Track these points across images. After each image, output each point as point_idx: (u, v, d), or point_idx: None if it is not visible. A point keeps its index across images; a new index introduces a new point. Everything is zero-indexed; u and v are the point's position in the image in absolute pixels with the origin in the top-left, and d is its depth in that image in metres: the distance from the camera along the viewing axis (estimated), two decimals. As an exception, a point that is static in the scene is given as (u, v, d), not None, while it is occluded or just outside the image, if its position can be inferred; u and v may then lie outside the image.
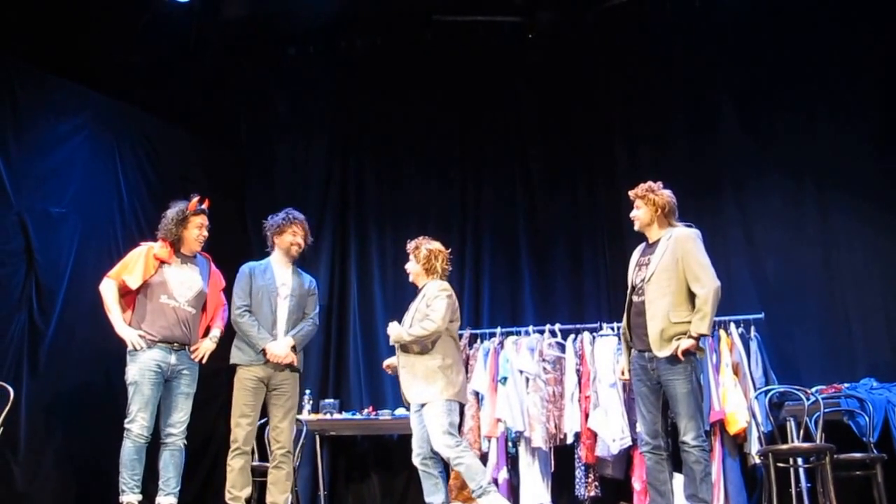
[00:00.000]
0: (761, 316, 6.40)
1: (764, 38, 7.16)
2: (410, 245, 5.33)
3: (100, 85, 6.73)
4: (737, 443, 6.12)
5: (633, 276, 5.04)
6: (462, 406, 5.22)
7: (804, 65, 7.02)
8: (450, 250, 5.36)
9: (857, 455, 5.48)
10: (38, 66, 6.26)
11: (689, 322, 4.73)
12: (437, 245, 5.30)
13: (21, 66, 6.11)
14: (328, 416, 6.90)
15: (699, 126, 7.29)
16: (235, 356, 5.23)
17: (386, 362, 5.46)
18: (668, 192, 5.01)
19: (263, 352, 5.15)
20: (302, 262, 5.61)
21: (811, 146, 6.90)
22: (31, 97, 6.12)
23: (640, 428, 5.02)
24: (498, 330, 6.84)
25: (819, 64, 6.98)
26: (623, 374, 5.17)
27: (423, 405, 4.99)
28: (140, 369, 5.05)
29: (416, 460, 5.08)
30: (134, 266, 5.18)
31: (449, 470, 5.41)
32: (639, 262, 5.04)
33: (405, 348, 5.10)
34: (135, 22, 7.03)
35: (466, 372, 6.69)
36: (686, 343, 4.68)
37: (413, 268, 5.29)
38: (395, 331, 5.10)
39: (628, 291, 5.05)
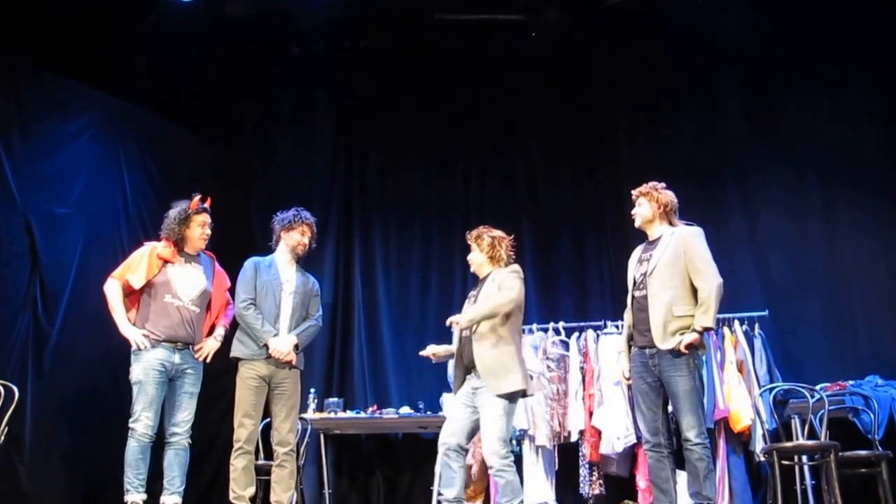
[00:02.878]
0: (765, 313, 6.39)
1: (766, 31, 7.14)
2: (471, 235, 5.16)
3: (104, 85, 6.75)
4: (741, 440, 6.11)
5: (634, 271, 5.06)
6: (525, 396, 4.99)
7: (806, 57, 7.01)
8: (512, 236, 5.21)
9: (862, 452, 5.47)
10: (43, 67, 6.27)
11: (692, 316, 4.74)
12: (499, 232, 5.15)
13: (26, 67, 6.14)
14: (332, 415, 6.90)
15: (702, 120, 7.28)
16: (237, 349, 5.22)
17: (431, 350, 5.10)
18: (670, 193, 5.07)
19: (266, 346, 5.15)
20: (307, 259, 5.60)
21: (814, 139, 6.88)
22: (36, 98, 6.15)
23: (640, 425, 5.02)
24: (502, 328, 6.83)
25: (821, 56, 6.96)
26: (624, 375, 5.15)
27: (497, 394, 4.74)
28: (144, 369, 5.07)
29: (441, 447, 4.89)
30: (137, 266, 5.20)
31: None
32: (640, 259, 5.06)
33: (480, 336, 4.83)
34: (139, 22, 7.05)
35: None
36: (689, 337, 4.69)
37: (477, 258, 5.11)
38: (466, 314, 4.86)
39: (630, 288, 5.06)
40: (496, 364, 4.79)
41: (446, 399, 6.54)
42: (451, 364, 5.36)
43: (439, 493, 4.95)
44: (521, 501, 4.77)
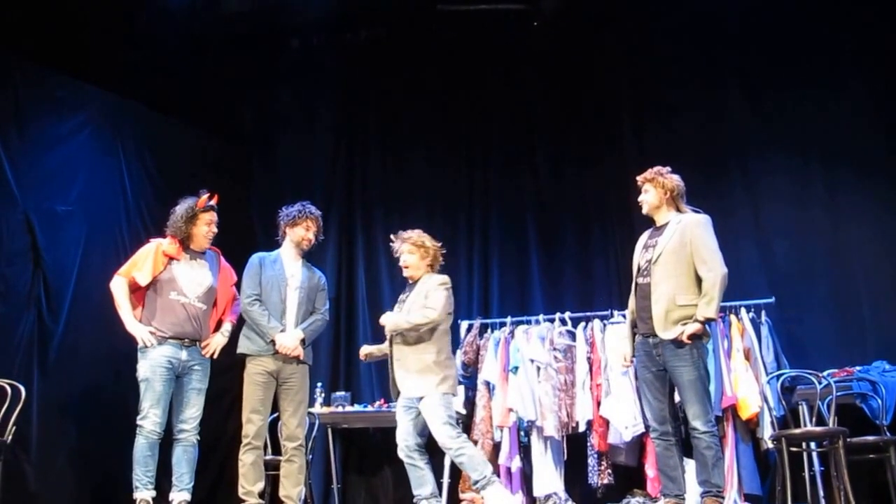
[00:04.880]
0: (772, 300, 6.37)
1: (769, 16, 7.10)
2: (411, 236, 5.26)
3: (102, 81, 6.72)
4: (749, 428, 6.10)
5: (639, 257, 5.02)
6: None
7: (808, 43, 6.97)
8: (441, 244, 5.33)
9: (870, 438, 5.47)
10: (40, 64, 6.24)
11: (695, 306, 4.71)
12: (433, 240, 5.29)
13: (23, 64, 6.10)
14: (339, 409, 6.89)
15: (705, 108, 7.24)
16: (244, 346, 5.22)
17: (364, 351, 5.39)
18: (676, 177, 5.01)
19: (273, 342, 5.15)
20: (309, 253, 5.58)
21: (817, 125, 6.84)
22: (34, 95, 6.12)
23: (647, 414, 5.01)
24: (508, 319, 6.83)
25: (824, 41, 6.93)
26: (625, 359, 5.15)
27: (419, 398, 4.99)
28: (151, 366, 5.05)
29: (401, 454, 5.07)
30: (143, 263, 5.18)
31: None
32: (646, 245, 5.02)
33: (400, 342, 5.08)
34: (136, 17, 7.00)
35: (477, 362, 6.71)
36: (692, 327, 4.66)
37: (416, 262, 5.21)
38: (392, 319, 5.07)
39: (634, 274, 5.03)
40: (409, 370, 5.02)
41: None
42: None
43: (415, 495, 5.03)
44: (492, 471, 4.92)
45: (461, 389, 6.32)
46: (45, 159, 6.14)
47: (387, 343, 5.23)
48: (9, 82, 5.97)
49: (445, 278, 5.16)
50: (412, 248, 5.22)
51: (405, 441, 5.06)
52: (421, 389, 4.98)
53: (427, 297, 5.04)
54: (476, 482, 4.87)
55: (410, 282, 5.27)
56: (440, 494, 6.10)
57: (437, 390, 4.94)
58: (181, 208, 5.25)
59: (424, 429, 5.07)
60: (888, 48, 6.72)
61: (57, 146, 6.27)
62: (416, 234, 5.27)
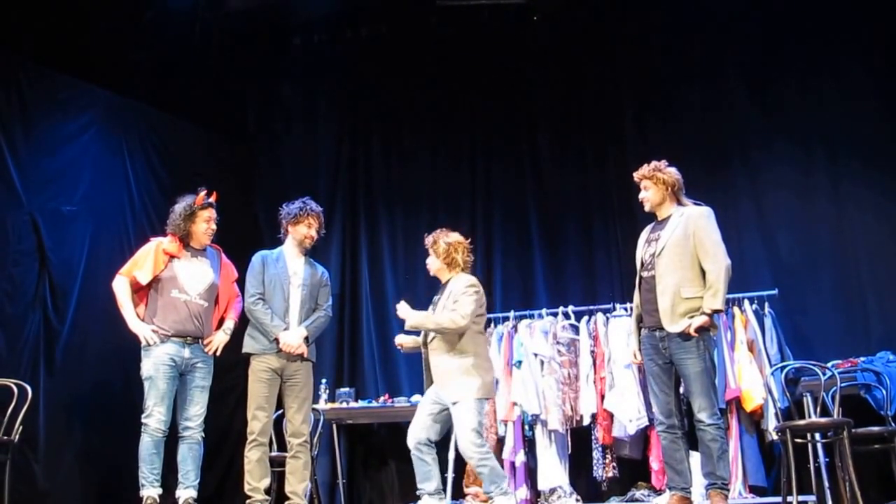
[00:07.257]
0: (775, 292, 6.37)
1: (769, 8, 7.08)
2: (428, 240, 5.17)
3: (106, 81, 6.74)
4: (754, 420, 6.11)
5: (642, 251, 5.02)
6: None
7: (810, 34, 6.95)
8: (469, 240, 5.22)
9: (875, 429, 5.45)
10: (45, 65, 6.27)
11: (701, 298, 4.70)
12: (455, 236, 5.14)
13: (28, 65, 6.13)
14: (344, 405, 6.92)
15: (707, 100, 7.23)
16: (248, 345, 5.22)
17: (399, 339, 5.25)
18: (674, 170, 4.98)
19: (276, 340, 5.16)
20: (313, 250, 5.58)
21: (820, 116, 6.82)
22: (39, 96, 6.15)
23: (654, 407, 5.00)
24: (511, 314, 6.84)
25: (826, 32, 6.91)
26: (635, 357, 5.14)
27: (453, 402, 4.86)
28: (154, 364, 5.08)
29: (411, 443, 4.96)
30: (144, 262, 5.21)
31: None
32: (648, 239, 5.01)
33: (436, 344, 4.95)
34: (139, 17, 7.03)
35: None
36: (699, 320, 4.65)
37: (434, 263, 5.12)
38: (416, 317, 4.93)
39: (638, 269, 5.03)
40: (448, 374, 4.89)
41: None
42: None
43: (419, 488, 4.96)
44: (507, 483, 4.85)
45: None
46: (51, 160, 6.17)
47: (421, 336, 5.13)
48: (13, 84, 6.00)
49: (473, 280, 5.03)
50: (430, 250, 5.16)
51: (419, 434, 4.94)
52: (458, 394, 4.83)
53: (456, 301, 4.90)
54: (490, 493, 4.80)
55: (441, 282, 5.18)
56: (444, 489, 6.13)
57: (473, 395, 4.82)
58: (180, 206, 5.28)
59: (444, 430, 5.02)
60: (890, 36, 6.69)
61: (62, 147, 6.30)
62: (433, 235, 5.18)
